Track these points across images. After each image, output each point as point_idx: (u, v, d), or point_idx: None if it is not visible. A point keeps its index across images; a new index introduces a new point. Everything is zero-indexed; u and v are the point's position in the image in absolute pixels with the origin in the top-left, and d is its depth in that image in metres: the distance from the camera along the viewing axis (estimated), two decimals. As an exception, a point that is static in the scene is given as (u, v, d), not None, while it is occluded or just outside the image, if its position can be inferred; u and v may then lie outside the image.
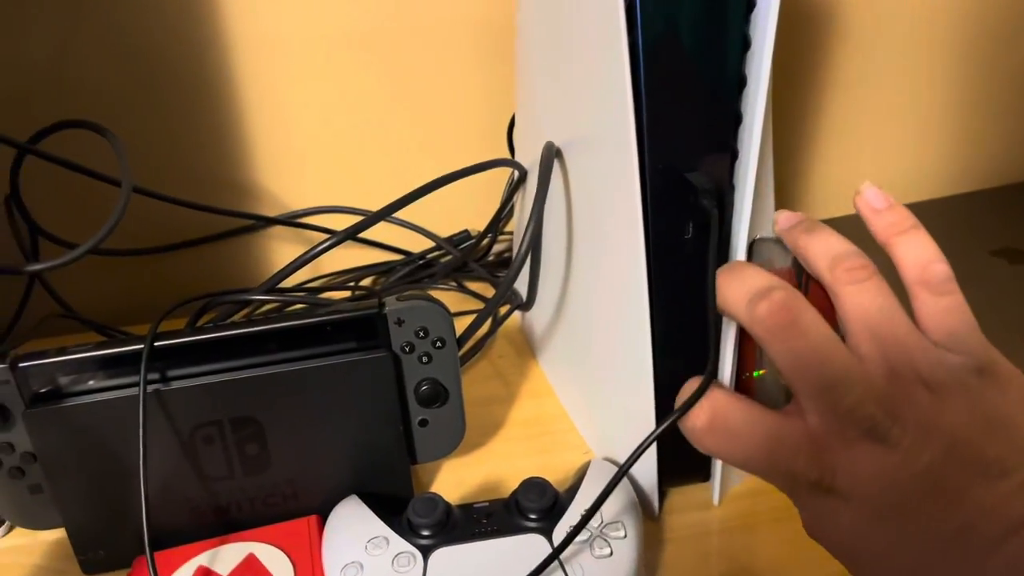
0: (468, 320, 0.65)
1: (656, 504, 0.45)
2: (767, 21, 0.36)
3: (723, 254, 0.40)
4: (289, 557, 0.41)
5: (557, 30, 0.45)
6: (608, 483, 0.38)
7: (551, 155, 0.46)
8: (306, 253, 0.43)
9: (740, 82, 0.37)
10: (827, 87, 0.73)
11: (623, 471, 0.38)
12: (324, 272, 0.69)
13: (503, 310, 0.61)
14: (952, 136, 0.78)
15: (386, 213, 0.42)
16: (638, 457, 0.39)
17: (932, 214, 0.74)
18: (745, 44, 0.37)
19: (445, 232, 0.72)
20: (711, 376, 0.39)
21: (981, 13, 0.73)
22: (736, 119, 0.38)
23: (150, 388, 0.40)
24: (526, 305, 0.57)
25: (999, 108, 0.78)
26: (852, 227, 0.73)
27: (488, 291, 0.69)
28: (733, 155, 0.39)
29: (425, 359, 0.44)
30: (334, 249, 0.70)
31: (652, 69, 0.36)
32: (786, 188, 0.75)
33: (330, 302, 0.52)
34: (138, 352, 0.40)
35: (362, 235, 0.70)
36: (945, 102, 0.76)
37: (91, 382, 0.40)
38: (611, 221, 0.41)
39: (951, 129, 0.78)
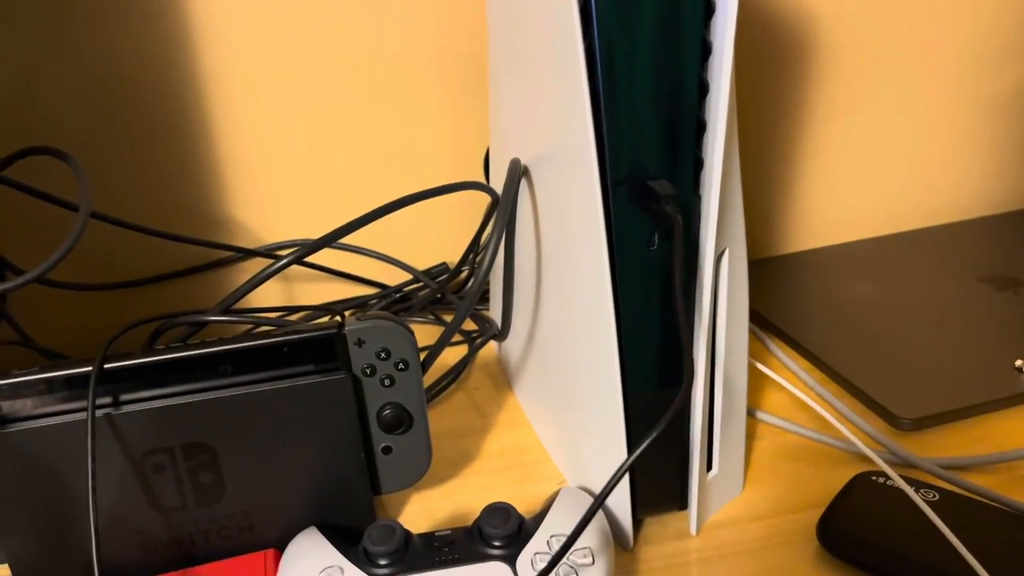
0: (444, 355, 0.63)
1: (630, 533, 0.43)
2: (726, 25, 0.35)
3: (690, 263, 0.38)
4: (242, 592, 0.39)
5: (521, 49, 0.44)
6: (585, 514, 0.36)
7: (517, 171, 0.45)
8: (260, 272, 0.41)
9: (702, 89, 0.37)
10: (812, 117, 0.73)
11: (599, 502, 0.36)
12: (298, 305, 0.67)
13: (478, 340, 0.60)
14: (937, 166, 0.77)
15: (341, 234, 0.41)
16: (613, 487, 0.37)
17: (918, 243, 0.73)
18: (705, 50, 0.36)
19: (427, 266, 0.71)
20: (686, 395, 0.38)
21: (961, 47, 0.73)
22: (700, 127, 0.37)
23: (98, 413, 0.38)
24: (501, 335, 0.55)
25: (984, 139, 0.77)
26: (832, 257, 0.72)
27: (467, 325, 0.68)
28: (698, 164, 0.38)
29: (387, 382, 0.42)
30: (311, 283, 0.70)
31: (610, 77, 0.35)
32: (768, 218, 0.74)
33: (290, 324, 0.50)
34: (86, 375, 0.38)
35: (343, 269, 0.69)
36: (929, 133, 0.76)
37: (36, 407, 0.38)
38: (576, 238, 0.40)
39: (935, 160, 0.77)
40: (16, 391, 0.38)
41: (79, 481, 0.39)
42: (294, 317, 0.65)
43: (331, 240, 0.42)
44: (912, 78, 0.73)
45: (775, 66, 0.69)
